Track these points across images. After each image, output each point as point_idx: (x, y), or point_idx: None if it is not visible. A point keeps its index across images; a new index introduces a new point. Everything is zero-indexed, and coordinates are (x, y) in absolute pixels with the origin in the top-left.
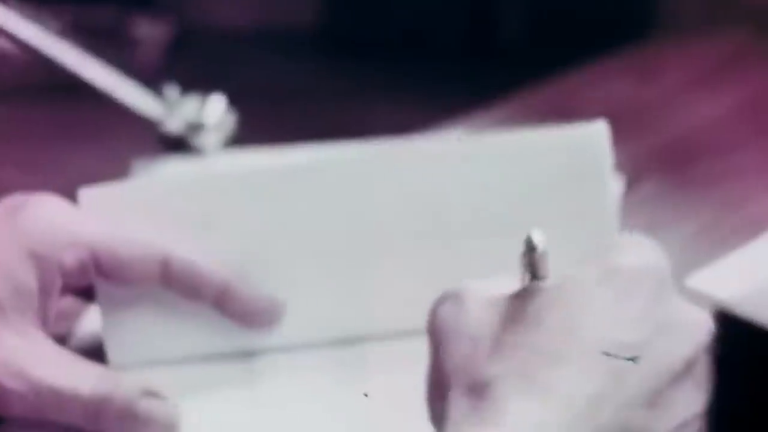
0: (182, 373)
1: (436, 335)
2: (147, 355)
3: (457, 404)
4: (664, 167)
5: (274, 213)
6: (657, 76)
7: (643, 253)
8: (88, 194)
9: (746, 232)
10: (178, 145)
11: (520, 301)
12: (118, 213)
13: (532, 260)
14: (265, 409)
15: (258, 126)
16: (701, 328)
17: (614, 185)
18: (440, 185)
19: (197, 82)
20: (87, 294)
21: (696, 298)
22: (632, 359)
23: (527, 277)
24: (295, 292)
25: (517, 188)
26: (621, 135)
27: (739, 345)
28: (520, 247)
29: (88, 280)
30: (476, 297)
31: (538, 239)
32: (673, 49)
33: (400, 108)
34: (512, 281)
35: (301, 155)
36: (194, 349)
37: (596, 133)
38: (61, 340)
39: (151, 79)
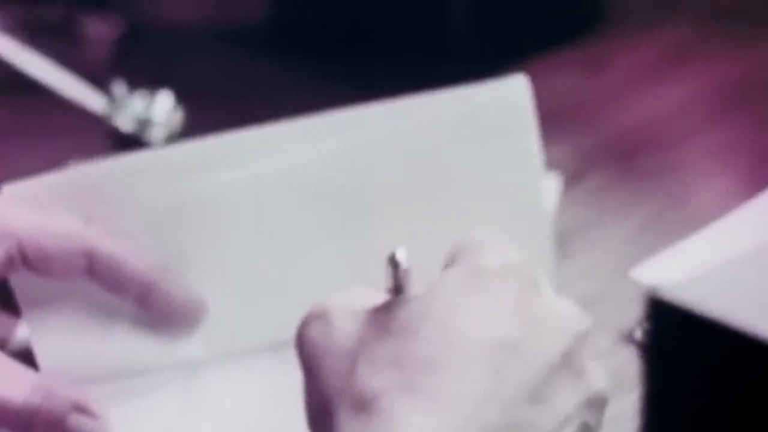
0: (119, 380)
1: (308, 356)
2: (79, 368)
3: (345, 422)
4: (609, 160)
5: (203, 199)
6: (603, 70)
7: (504, 251)
8: (11, 189)
9: (691, 224)
10: (127, 142)
11: (390, 313)
12: (44, 205)
13: (396, 277)
14: (205, 413)
15: (209, 122)
16: (574, 320)
17: (537, 138)
18: (364, 156)
19: (148, 80)
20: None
21: (639, 288)
22: (510, 356)
23: (392, 292)
24: (229, 297)
25: (440, 147)
26: (567, 128)
27: (672, 331)
28: (448, 212)
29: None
30: (342, 313)
31: (402, 257)
32: (620, 43)
33: (351, 103)
34: (373, 292)
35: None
36: (127, 364)
37: (516, 85)
38: (0, 345)
39: (101, 77)
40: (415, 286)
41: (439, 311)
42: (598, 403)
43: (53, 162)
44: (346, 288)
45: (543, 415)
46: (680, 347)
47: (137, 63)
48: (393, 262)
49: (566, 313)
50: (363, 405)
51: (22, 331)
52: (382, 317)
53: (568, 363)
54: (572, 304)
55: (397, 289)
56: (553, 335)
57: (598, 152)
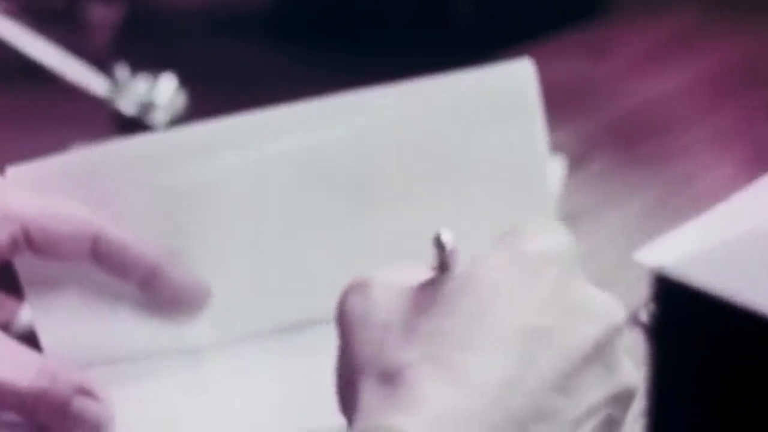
0: (123, 363)
1: (345, 325)
2: (83, 352)
3: (369, 392)
4: (613, 145)
5: (207, 182)
6: (608, 54)
7: (548, 237)
8: (16, 171)
9: (695, 207)
10: (130, 125)
11: (430, 288)
12: (48, 189)
13: (441, 257)
14: (209, 397)
15: (211, 106)
16: (610, 312)
17: (542, 122)
18: (369, 138)
19: (150, 63)
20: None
21: (644, 271)
22: (542, 343)
23: (437, 272)
24: (233, 281)
25: (445, 131)
26: (571, 112)
27: (678, 311)
28: (453, 196)
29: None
30: (384, 286)
31: (447, 238)
32: (624, 27)
33: (354, 88)
34: (419, 269)
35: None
36: (131, 348)
37: (521, 69)
38: (4, 327)
39: (104, 61)
40: (460, 266)
41: (478, 291)
42: (625, 398)
43: (57, 146)
44: (391, 263)
45: (568, 405)
46: (686, 325)
47: (140, 47)
48: (438, 243)
49: (602, 304)
50: (388, 376)
51: (26, 314)
52: (422, 293)
53: (599, 354)
54: (609, 296)
55: (442, 269)
56: (587, 326)
57: (602, 136)
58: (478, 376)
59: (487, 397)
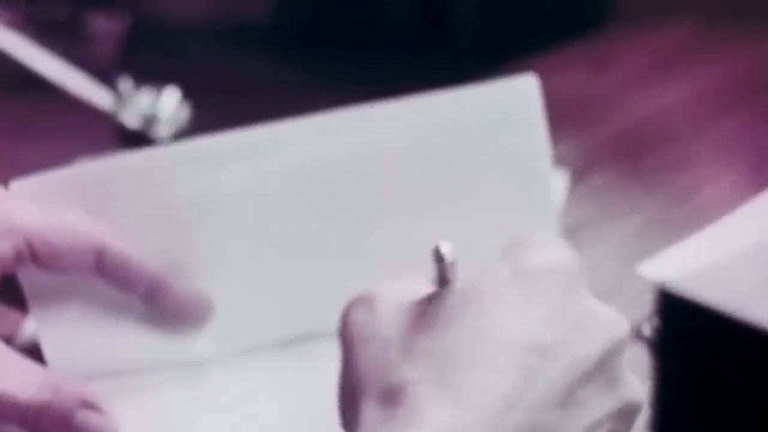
0: (126, 376)
1: (348, 340)
2: (86, 364)
3: (371, 410)
4: (614, 158)
5: (210, 196)
6: (608, 68)
7: (551, 252)
8: (20, 184)
9: (696, 221)
10: (134, 138)
11: (431, 304)
12: (52, 202)
13: (440, 270)
14: (211, 410)
15: (215, 119)
16: (614, 326)
17: (546, 137)
18: (372, 153)
19: (154, 76)
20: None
21: (646, 285)
22: (543, 359)
23: (436, 285)
24: (235, 294)
25: (449, 145)
26: (572, 126)
27: (682, 325)
28: (457, 210)
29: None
30: (387, 301)
31: (446, 250)
32: (625, 40)
33: (354, 102)
34: (423, 284)
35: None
36: (133, 361)
37: (526, 85)
38: (8, 339)
39: (107, 74)
40: (461, 279)
41: (478, 306)
42: (629, 412)
43: (60, 159)
44: (393, 278)
45: (571, 419)
46: (689, 339)
47: (143, 59)
48: (437, 256)
49: (606, 318)
50: (389, 394)
51: (30, 327)
52: (423, 309)
53: (603, 369)
54: (612, 310)
55: (442, 282)
56: (591, 340)
57: (603, 149)
58: (478, 395)
59: (488, 415)
